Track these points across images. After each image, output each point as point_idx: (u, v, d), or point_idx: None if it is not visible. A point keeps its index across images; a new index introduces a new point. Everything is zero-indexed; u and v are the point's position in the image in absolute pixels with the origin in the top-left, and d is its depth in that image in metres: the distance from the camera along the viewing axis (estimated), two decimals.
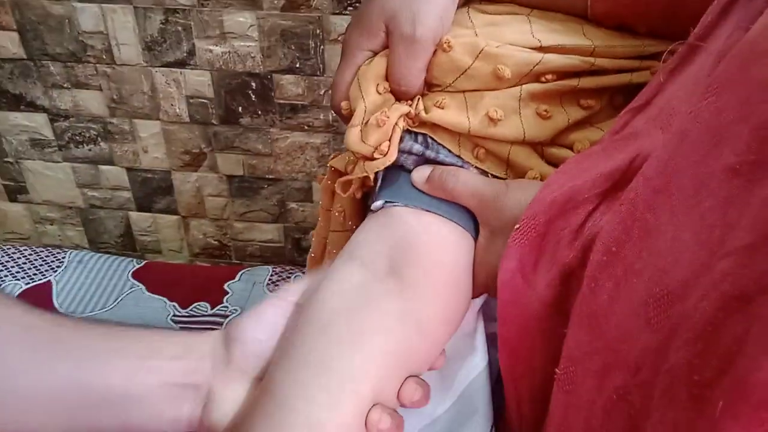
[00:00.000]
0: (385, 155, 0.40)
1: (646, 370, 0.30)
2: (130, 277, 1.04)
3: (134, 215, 1.07)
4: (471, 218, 0.41)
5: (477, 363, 0.42)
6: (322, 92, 0.88)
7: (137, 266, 1.05)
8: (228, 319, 0.96)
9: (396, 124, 0.40)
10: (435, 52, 0.40)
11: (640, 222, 0.31)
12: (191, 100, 0.91)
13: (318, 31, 0.82)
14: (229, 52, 0.86)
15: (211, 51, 0.86)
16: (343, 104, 0.43)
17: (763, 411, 0.23)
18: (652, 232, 0.31)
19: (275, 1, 0.80)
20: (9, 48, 0.89)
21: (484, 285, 0.41)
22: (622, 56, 0.41)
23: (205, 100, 0.91)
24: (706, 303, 0.27)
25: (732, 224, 0.27)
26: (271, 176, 0.98)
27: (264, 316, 0.38)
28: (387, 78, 0.42)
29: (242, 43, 0.84)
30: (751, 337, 0.25)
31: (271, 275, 1.04)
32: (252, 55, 0.85)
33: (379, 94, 0.41)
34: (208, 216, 1.05)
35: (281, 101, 0.90)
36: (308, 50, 0.84)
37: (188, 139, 0.96)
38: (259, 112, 0.91)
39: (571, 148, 0.42)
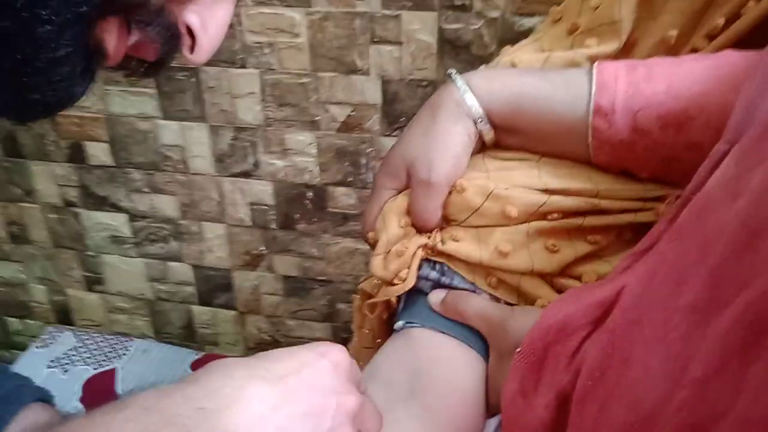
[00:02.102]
0: (404, 281, 0.44)
1: None
2: (189, 368, 1.09)
3: (196, 309, 1.14)
4: (483, 342, 0.44)
5: None
6: None
7: (197, 357, 1.11)
8: None
9: (414, 254, 0.45)
10: (450, 192, 0.45)
11: (619, 350, 0.34)
12: (254, 207, 0.99)
13: (369, 150, 0.89)
14: (289, 165, 0.94)
15: (273, 164, 0.94)
16: (370, 234, 0.49)
17: None
18: (628, 360, 0.34)
19: (332, 123, 0.89)
20: (100, 156, 1.00)
21: (495, 405, 0.43)
22: (625, 198, 0.44)
23: (266, 207, 0.99)
24: (667, 431, 0.29)
25: (690, 357, 0.30)
26: (322, 278, 1.04)
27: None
28: (408, 214, 0.47)
29: (301, 158, 0.93)
30: None
31: None
32: (309, 169, 0.93)
33: (401, 227, 0.46)
34: (264, 313, 1.11)
35: (334, 210, 0.96)
36: (359, 166, 0.91)
37: (249, 242, 1.03)
38: (314, 220, 0.98)
39: (579, 279, 0.45)
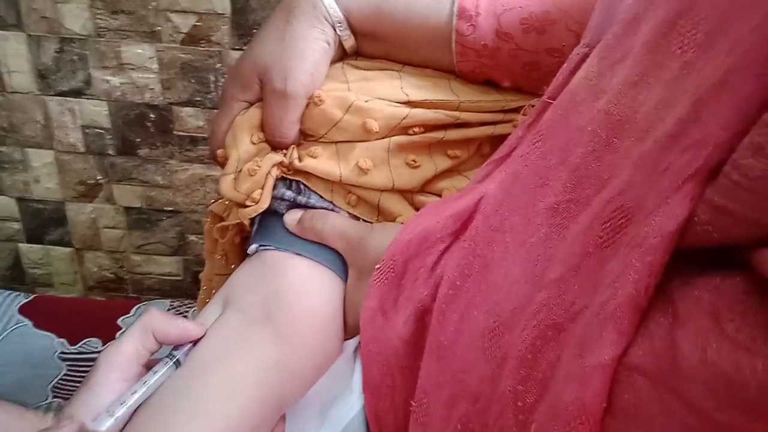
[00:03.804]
0: (257, 203, 0.41)
1: (483, 399, 0.31)
2: (17, 312, 0.98)
3: (24, 247, 1.02)
4: (342, 262, 0.42)
5: (353, 404, 0.43)
6: None
7: (25, 300, 1.00)
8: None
9: (269, 173, 0.41)
10: (308, 105, 0.42)
11: (480, 258, 0.33)
12: (87, 130, 0.89)
13: (218, 65, 0.82)
14: (127, 83, 0.85)
15: (108, 81, 0.85)
16: (219, 152, 0.44)
17: (571, 429, 0.25)
18: (489, 266, 0.33)
19: (175, 34, 0.80)
20: None
21: (354, 326, 0.42)
22: (486, 110, 0.44)
23: (101, 130, 0.89)
24: (527, 333, 0.29)
25: (550, 259, 0.30)
26: (170, 208, 0.97)
27: (96, 408, 0.35)
28: (262, 128, 0.43)
29: (140, 75, 0.84)
30: (562, 362, 0.27)
31: (169, 309, 1.01)
32: (150, 86, 0.85)
33: (253, 144, 0.42)
34: (104, 248, 1.02)
35: (180, 133, 0.89)
36: (208, 83, 0.84)
37: (83, 170, 0.93)
38: (158, 144, 0.90)
39: (439, 195, 0.44)
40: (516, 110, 0.44)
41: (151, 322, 0.38)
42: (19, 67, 0.84)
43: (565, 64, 0.36)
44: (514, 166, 0.33)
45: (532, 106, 0.44)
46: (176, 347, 0.38)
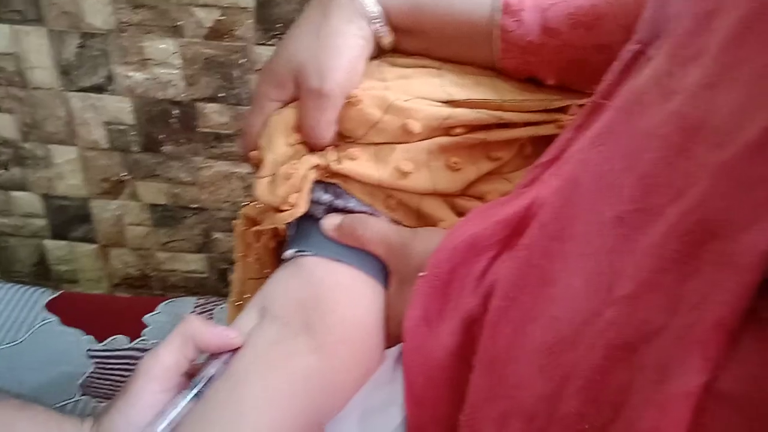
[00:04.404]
0: (293, 207, 0.39)
1: (540, 418, 0.30)
2: (44, 309, 0.98)
3: (49, 243, 1.02)
4: (382, 267, 0.41)
5: (394, 415, 0.42)
6: None
7: (52, 297, 1.00)
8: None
9: (305, 176, 0.40)
10: (345, 105, 0.40)
11: (537, 268, 0.32)
12: (110, 127, 0.88)
13: (242, 60, 0.81)
14: (150, 78, 0.83)
15: (130, 77, 0.83)
16: (252, 154, 0.43)
17: None
18: (547, 278, 0.31)
19: (198, 29, 0.79)
20: None
21: (396, 334, 0.40)
22: (529, 110, 0.42)
23: (125, 127, 0.88)
24: (593, 352, 0.27)
25: (618, 272, 0.28)
26: (195, 205, 0.96)
27: (135, 418, 0.35)
28: (297, 129, 0.41)
29: (164, 70, 0.83)
30: (635, 386, 0.26)
31: (196, 306, 1.01)
32: (174, 82, 0.83)
33: (289, 145, 0.41)
34: (129, 245, 1.01)
35: (205, 130, 0.88)
36: (232, 79, 0.83)
37: (107, 166, 0.92)
38: (182, 141, 0.89)
39: (481, 199, 0.42)
40: (560, 110, 0.42)
41: (191, 331, 0.37)
42: (41, 62, 0.83)
43: (616, 62, 0.34)
44: (571, 171, 0.31)
45: (579, 106, 0.42)
46: (212, 356, 0.37)
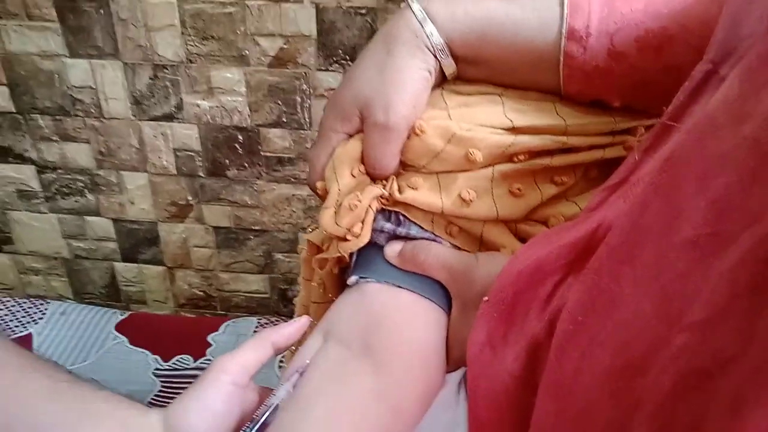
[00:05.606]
0: (357, 237, 0.40)
1: None
2: (114, 330, 1.02)
3: (120, 266, 1.07)
4: (444, 293, 0.41)
5: None
6: (308, 145, 0.89)
7: (121, 318, 1.04)
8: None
9: (369, 206, 0.40)
10: (408, 135, 0.41)
11: (605, 292, 0.31)
12: (178, 153, 0.92)
13: (304, 87, 0.83)
14: (216, 106, 0.87)
15: (198, 105, 0.87)
16: (318, 184, 0.44)
17: None
18: (616, 302, 0.31)
19: (262, 58, 0.81)
20: None
21: (459, 358, 0.40)
22: (594, 133, 0.41)
23: (192, 153, 0.92)
24: (665, 377, 0.27)
25: (690, 297, 0.27)
26: (257, 227, 0.98)
27: (206, 402, 0.37)
28: (362, 161, 0.42)
29: (229, 98, 0.86)
30: (710, 415, 0.25)
31: (257, 326, 1.03)
32: (239, 109, 0.86)
33: (353, 177, 0.41)
34: (194, 267, 1.04)
35: (268, 154, 0.90)
36: (294, 105, 0.85)
37: (175, 191, 0.96)
38: (246, 165, 0.92)
39: (545, 223, 0.42)
40: (626, 131, 0.42)
41: (266, 333, 0.41)
42: (116, 94, 0.88)
43: (686, 83, 0.33)
44: (639, 195, 0.31)
45: (646, 128, 0.41)
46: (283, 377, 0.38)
